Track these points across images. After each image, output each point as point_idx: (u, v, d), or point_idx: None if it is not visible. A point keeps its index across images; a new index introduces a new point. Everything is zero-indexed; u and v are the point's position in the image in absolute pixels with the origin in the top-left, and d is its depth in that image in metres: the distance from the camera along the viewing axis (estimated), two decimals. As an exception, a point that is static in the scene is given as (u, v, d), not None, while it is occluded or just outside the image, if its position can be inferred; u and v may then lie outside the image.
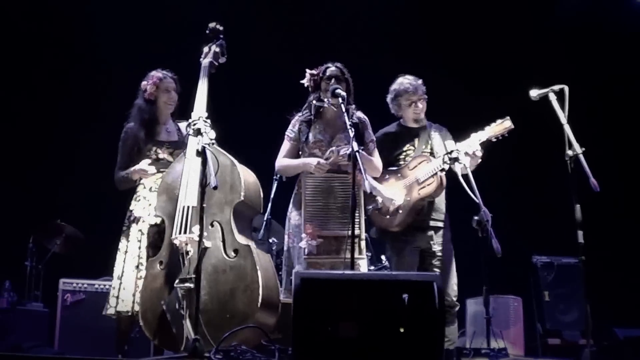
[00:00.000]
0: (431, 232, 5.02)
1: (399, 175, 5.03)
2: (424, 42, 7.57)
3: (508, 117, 4.97)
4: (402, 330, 3.19)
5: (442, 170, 4.86)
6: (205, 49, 4.73)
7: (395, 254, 5.04)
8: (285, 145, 4.75)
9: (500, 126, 4.94)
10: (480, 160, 4.94)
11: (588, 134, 4.49)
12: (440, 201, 5.08)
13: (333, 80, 4.62)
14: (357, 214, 4.33)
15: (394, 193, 4.95)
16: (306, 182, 4.57)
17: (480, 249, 4.37)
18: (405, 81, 5.14)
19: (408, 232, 4.99)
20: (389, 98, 5.22)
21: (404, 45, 7.53)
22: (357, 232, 4.37)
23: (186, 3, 7.27)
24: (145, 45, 7.00)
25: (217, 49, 4.69)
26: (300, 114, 4.78)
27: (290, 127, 4.77)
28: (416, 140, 5.13)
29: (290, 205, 4.73)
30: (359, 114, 4.80)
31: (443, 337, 3.48)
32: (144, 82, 4.81)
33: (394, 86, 5.19)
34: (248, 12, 7.34)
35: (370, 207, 4.95)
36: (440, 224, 5.06)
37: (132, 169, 4.62)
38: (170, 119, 4.88)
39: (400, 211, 4.94)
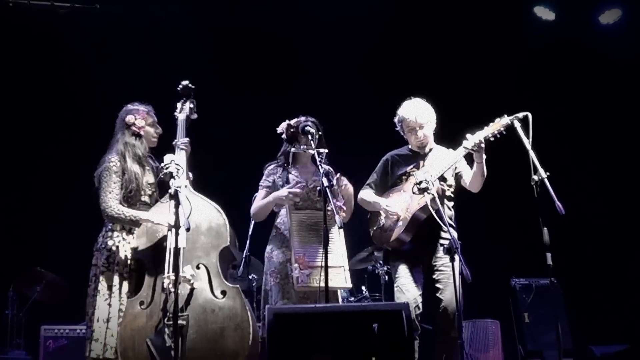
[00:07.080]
0: (432, 248, 4.84)
1: (401, 190, 4.95)
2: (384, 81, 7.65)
3: (505, 115, 4.78)
4: (374, 358, 3.27)
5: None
6: (179, 105, 4.78)
7: (398, 274, 4.84)
8: (261, 194, 4.88)
9: (499, 124, 4.75)
10: (484, 156, 4.78)
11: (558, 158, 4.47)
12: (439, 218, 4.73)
13: (308, 124, 4.74)
14: (338, 246, 4.57)
15: (394, 206, 4.88)
16: (292, 217, 4.69)
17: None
18: (406, 107, 5.00)
19: (409, 250, 4.84)
20: (395, 120, 5.09)
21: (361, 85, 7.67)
22: (341, 263, 4.55)
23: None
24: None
25: (191, 105, 4.76)
26: (274, 162, 4.95)
27: (264, 177, 4.93)
28: (421, 163, 4.98)
29: (270, 246, 4.84)
30: (327, 167, 4.78)
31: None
32: (129, 117, 4.64)
33: (399, 110, 5.03)
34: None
35: (374, 228, 4.97)
36: (442, 239, 4.83)
37: (148, 216, 4.44)
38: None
39: (400, 223, 4.83)
